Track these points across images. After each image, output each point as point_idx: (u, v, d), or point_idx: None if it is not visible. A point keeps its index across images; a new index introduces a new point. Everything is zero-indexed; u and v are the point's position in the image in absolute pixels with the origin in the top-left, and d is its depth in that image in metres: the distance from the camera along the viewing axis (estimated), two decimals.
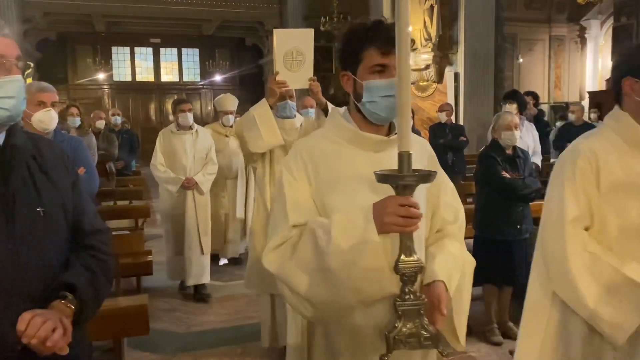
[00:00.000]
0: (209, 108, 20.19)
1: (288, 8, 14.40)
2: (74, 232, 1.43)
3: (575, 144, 1.71)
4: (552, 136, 7.74)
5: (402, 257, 1.24)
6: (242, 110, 4.86)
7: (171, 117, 18.56)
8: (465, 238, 1.69)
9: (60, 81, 16.91)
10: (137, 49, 20.01)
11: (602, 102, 12.25)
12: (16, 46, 1.34)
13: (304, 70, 2.81)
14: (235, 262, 5.70)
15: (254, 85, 18.52)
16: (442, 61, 9.43)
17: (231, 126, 5.22)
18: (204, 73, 20.56)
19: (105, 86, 19.51)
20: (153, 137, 5.05)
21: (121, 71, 19.93)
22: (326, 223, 1.38)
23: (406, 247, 1.24)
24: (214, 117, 16.51)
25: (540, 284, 1.75)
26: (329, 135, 1.54)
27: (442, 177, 1.57)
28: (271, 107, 3.01)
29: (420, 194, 1.27)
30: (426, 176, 1.22)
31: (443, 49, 9.33)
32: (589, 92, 14.10)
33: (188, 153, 4.67)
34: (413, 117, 5.81)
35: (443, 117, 6.94)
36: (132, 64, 20.05)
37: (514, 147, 3.69)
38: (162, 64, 20.45)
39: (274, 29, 2.90)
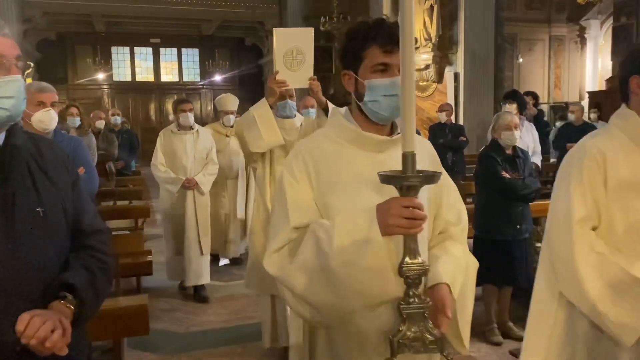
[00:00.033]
0: (209, 108, 20.19)
1: (288, 8, 14.40)
2: (73, 232, 1.43)
3: (582, 143, 1.69)
4: (551, 136, 7.74)
5: (407, 259, 1.22)
6: (242, 110, 4.85)
7: (171, 117, 18.55)
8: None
9: (59, 81, 16.91)
10: (136, 49, 20.02)
11: (601, 102, 12.25)
12: (16, 46, 1.34)
13: (304, 70, 2.80)
14: (236, 262, 5.70)
15: (253, 85, 18.52)
16: (441, 61, 9.43)
17: (232, 126, 5.21)
18: (204, 73, 20.57)
19: (105, 86, 19.52)
20: (153, 137, 5.05)
21: (121, 71, 19.94)
22: (329, 225, 1.36)
23: (410, 249, 1.22)
24: (214, 117, 16.53)
25: (546, 285, 1.73)
26: (330, 136, 1.52)
27: (445, 178, 1.56)
28: (271, 107, 3.00)
29: (423, 195, 1.25)
30: (430, 177, 1.20)
31: (443, 49, 9.32)
32: (589, 92, 14.10)
33: (188, 153, 4.66)
34: None
35: (443, 117, 6.94)
36: (132, 64, 20.06)
37: (514, 147, 3.69)
38: (162, 64, 20.46)
39: (274, 28, 2.89)
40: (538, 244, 4.42)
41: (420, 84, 9.92)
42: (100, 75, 19.06)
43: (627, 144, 1.62)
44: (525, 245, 3.75)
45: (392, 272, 1.28)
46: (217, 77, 20.35)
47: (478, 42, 9.03)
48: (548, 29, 15.28)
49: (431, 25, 9.27)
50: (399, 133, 1.49)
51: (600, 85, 14.44)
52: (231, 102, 5.38)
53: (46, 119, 2.83)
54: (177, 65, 20.66)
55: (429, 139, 6.46)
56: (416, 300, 1.22)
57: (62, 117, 5.02)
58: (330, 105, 2.91)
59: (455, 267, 1.46)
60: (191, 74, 20.87)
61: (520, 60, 15.00)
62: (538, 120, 6.73)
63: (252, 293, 3.98)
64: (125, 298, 2.72)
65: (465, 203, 1.82)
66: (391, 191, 1.25)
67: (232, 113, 5.32)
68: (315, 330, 1.53)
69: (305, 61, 2.79)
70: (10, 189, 1.29)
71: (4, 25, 1.33)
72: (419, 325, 1.22)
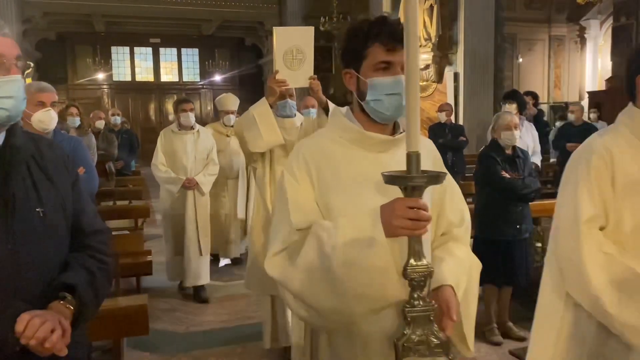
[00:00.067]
0: (209, 108, 20.20)
1: (288, 8, 14.40)
2: (73, 233, 1.43)
3: (589, 142, 1.67)
4: (551, 136, 7.75)
5: (411, 261, 1.19)
6: (242, 110, 4.86)
7: (171, 117, 18.55)
8: None
9: (59, 81, 16.91)
10: (136, 49, 20.02)
11: (601, 102, 12.26)
12: (16, 46, 1.33)
13: (304, 69, 2.78)
14: (236, 262, 5.70)
15: (253, 85, 18.52)
16: (441, 61, 9.42)
17: (232, 126, 5.21)
18: (204, 73, 20.57)
19: (104, 86, 19.52)
20: (153, 137, 5.05)
21: (121, 71, 19.94)
22: (331, 227, 1.34)
23: (415, 251, 1.20)
24: (214, 116, 16.52)
25: (552, 285, 1.71)
26: (331, 136, 1.49)
27: (448, 178, 1.55)
28: (271, 106, 2.98)
29: (426, 196, 1.23)
30: (435, 177, 1.18)
31: (443, 49, 9.31)
32: (589, 92, 14.11)
33: (189, 153, 4.65)
34: None
35: (443, 117, 6.94)
36: (132, 64, 20.06)
37: (514, 147, 3.69)
38: (162, 64, 20.46)
39: (274, 27, 2.87)
40: (538, 244, 4.42)
41: (420, 83, 9.88)
42: (100, 75, 19.06)
43: (635, 143, 1.60)
44: (525, 245, 3.75)
45: (396, 274, 1.26)
46: (217, 77, 20.35)
47: (478, 42, 9.02)
48: (548, 29, 15.29)
49: (431, 25, 9.27)
50: (401, 132, 1.48)
51: (600, 85, 14.45)
52: (232, 101, 5.38)
53: (46, 119, 2.83)
54: (177, 65, 20.67)
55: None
56: (421, 303, 1.20)
57: (62, 117, 5.01)
58: (331, 105, 2.90)
59: (459, 268, 1.44)
60: (191, 74, 20.87)
61: (520, 60, 15.01)
62: (538, 120, 6.73)
63: (252, 293, 3.98)
64: (125, 298, 2.72)
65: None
66: (394, 192, 1.23)
67: (232, 113, 5.31)
68: (317, 331, 1.51)
69: (306, 60, 2.77)
70: (10, 189, 1.29)
71: (3, 25, 1.32)
72: (424, 328, 1.20)
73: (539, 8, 14.75)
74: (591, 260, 1.53)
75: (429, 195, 1.43)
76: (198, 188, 4.62)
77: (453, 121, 7.58)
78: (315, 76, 2.84)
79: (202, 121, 13.34)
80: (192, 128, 4.72)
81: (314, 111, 3.65)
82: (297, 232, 1.39)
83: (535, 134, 5.46)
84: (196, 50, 20.59)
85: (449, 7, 9.21)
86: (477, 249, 3.76)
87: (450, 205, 1.54)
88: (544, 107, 12.92)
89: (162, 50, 20.30)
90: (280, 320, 3.21)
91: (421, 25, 9.42)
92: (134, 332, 2.41)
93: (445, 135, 6.74)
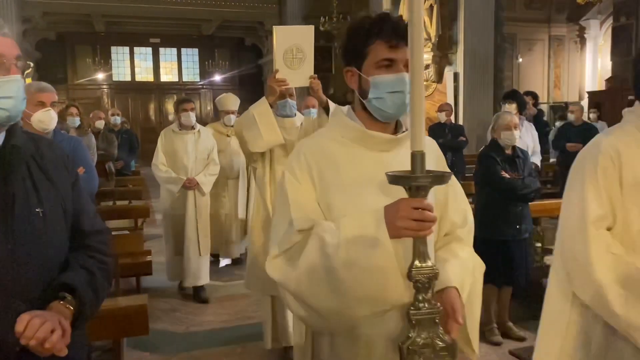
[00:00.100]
0: (209, 108, 20.20)
1: (287, 8, 14.40)
2: (73, 233, 1.43)
3: (595, 141, 1.64)
4: (551, 136, 7.75)
5: (416, 263, 1.17)
6: (242, 110, 4.86)
7: (170, 117, 18.51)
8: None
9: (59, 81, 16.93)
10: (136, 49, 20.03)
11: (601, 102, 12.28)
12: (15, 46, 1.33)
13: (304, 68, 2.76)
14: (236, 262, 5.70)
15: (253, 85, 18.53)
16: (441, 61, 9.42)
17: (232, 126, 5.20)
18: (204, 73, 20.58)
19: (104, 86, 19.53)
20: (152, 137, 5.04)
21: (120, 71, 19.94)
22: (334, 228, 1.31)
23: (420, 252, 1.17)
24: (214, 116, 16.52)
25: (558, 286, 1.69)
26: (332, 135, 1.46)
27: (451, 178, 1.53)
28: (271, 106, 2.97)
29: (429, 196, 1.20)
30: (441, 177, 1.15)
31: (442, 49, 9.32)
32: (589, 92, 14.12)
33: (190, 153, 4.64)
34: None
35: (442, 117, 6.94)
36: (132, 64, 20.07)
37: (514, 147, 3.69)
38: (162, 64, 20.47)
39: (274, 26, 2.86)
40: (538, 244, 4.42)
41: None
42: (100, 75, 19.07)
43: None
44: (525, 245, 3.75)
45: (400, 276, 1.24)
46: (217, 77, 20.35)
47: (478, 42, 9.02)
48: (548, 28, 15.29)
49: (431, 25, 9.26)
50: (404, 131, 1.45)
51: (600, 85, 14.46)
52: (232, 101, 5.37)
53: (46, 119, 2.83)
54: (177, 65, 20.67)
55: None
56: (426, 305, 1.17)
57: (62, 117, 5.01)
58: (331, 104, 2.89)
59: (463, 270, 1.42)
60: (191, 74, 20.88)
61: (520, 60, 15.02)
62: (537, 120, 6.74)
63: (252, 293, 3.97)
64: (124, 298, 2.72)
65: None
66: (397, 192, 1.21)
67: (233, 113, 5.30)
68: (319, 333, 1.48)
69: (306, 59, 2.76)
70: (10, 190, 1.29)
71: (3, 24, 1.32)
72: (430, 331, 1.17)
73: (538, 8, 14.76)
74: (598, 261, 1.51)
75: (433, 196, 1.39)
76: (198, 188, 4.61)
77: (453, 121, 7.59)
78: (316, 75, 2.82)
79: (202, 121, 13.32)
80: (192, 128, 4.71)
81: (314, 111, 3.65)
82: (299, 233, 1.36)
83: (535, 134, 5.46)
84: (196, 50, 20.59)
85: (448, 7, 9.22)
86: (476, 248, 3.74)
87: (453, 206, 1.51)
88: (544, 107, 12.93)
89: (161, 50, 20.31)
90: (281, 320, 3.21)
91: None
92: (134, 332, 2.41)
93: (445, 135, 6.74)
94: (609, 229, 1.56)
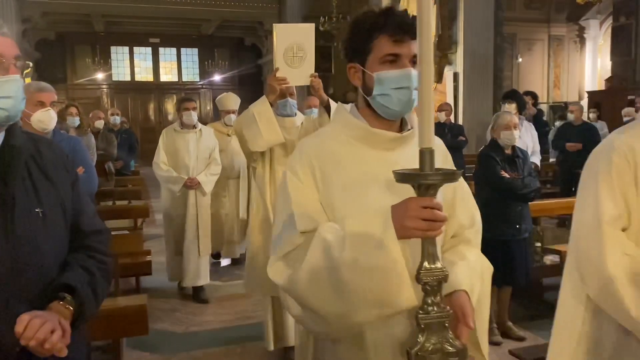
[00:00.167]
0: (208, 108, 20.20)
1: (287, 8, 14.42)
2: (73, 233, 1.43)
3: (609, 140, 1.59)
4: (551, 136, 7.76)
5: (425, 264, 1.12)
6: (242, 110, 4.85)
7: (170, 117, 18.45)
8: None
9: (59, 81, 16.92)
10: (136, 49, 20.02)
11: (601, 101, 12.28)
12: (15, 45, 1.33)
13: (305, 67, 2.74)
14: (236, 262, 5.69)
15: (253, 85, 18.52)
16: (441, 61, 9.43)
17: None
18: (203, 73, 20.57)
19: (104, 86, 19.52)
20: (152, 137, 5.04)
21: (120, 71, 19.94)
22: (339, 229, 1.26)
23: (429, 253, 1.12)
24: (214, 116, 16.51)
25: (572, 289, 1.65)
26: (335, 134, 1.41)
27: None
28: (271, 105, 2.95)
29: (437, 196, 1.15)
30: (451, 175, 1.10)
31: (442, 49, 9.33)
32: (588, 92, 14.13)
33: (191, 152, 4.62)
34: None
35: (442, 117, 6.95)
36: (131, 64, 20.06)
37: (513, 147, 3.69)
38: (161, 64, 20.46)
39: (274, 24, 2.83)
40: (538, 244, 4.43)
41: None
42: (100, 75, 19.06)
43: None
44: (525, 245, 3.75)
45: (408, 278, 1.19)
46: (217, 77, 20.35)
47: (477, 42, 9.04)
48: (547, 28, 15.31)
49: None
50: (409, 129, 1.42)
51: (600, 85, 14.47)
52: (232, 101, 5.37)
53: (45, 119, 2.83)
54: (177, 65, 20.67)
55: None
56: (435, 308, 1.12)
57: (62, 117, 5.01)
58: (332, 104, 2.88)
59: (472, 272, 1.37)
60: (190, 73, 20.87)
61: (520, 60, 15.03)
62: (537, 120, 6.74)
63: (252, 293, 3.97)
64: (124, 298, 2.73)
65: None
66: (403, 191, 1.17)
67: (233, 112, 5.29)
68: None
69: (306, 58, 2.73)
70: (10, 190, 1.29)
71: (2, 24, 1.32)
72: (439, 336, 1.12)
73: (538, 8, 14.77)
74: (614, 262, 1.46)
75: (441, 196, 1.31)
76: (200, 188, 4.60)
77: (452, 121, 7.60)
78: (317, 74, 2.80)
79: (202, 121, 13.30)
80: (194, 127, 4.69)
81: (316, 111, 3.64)
82: (301, 235, 1.31)
83: (535, 133, 5.46)
84: (195, 50, 20.59)
85: (448, 6, 9.23)
86: None
87: (461, 206, 1.46)
88: (544, 107, 12.93)
89: (161, 50, 20.30)
90: (281, 320, 3.21)
91: None
92: (134, 332, 2.41)
93: (444, 135, 6.74)
94: (623, 230, 1.52)
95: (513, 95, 5.44)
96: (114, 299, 2.48)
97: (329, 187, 1.35)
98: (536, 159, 5.35)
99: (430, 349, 1.12)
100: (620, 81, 12.49)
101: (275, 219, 1.44)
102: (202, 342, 3.81)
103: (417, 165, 1.10)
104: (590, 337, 1.62)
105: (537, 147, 5.49)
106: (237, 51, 20.44)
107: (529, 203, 3.72)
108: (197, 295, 4.66)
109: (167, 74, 20.63)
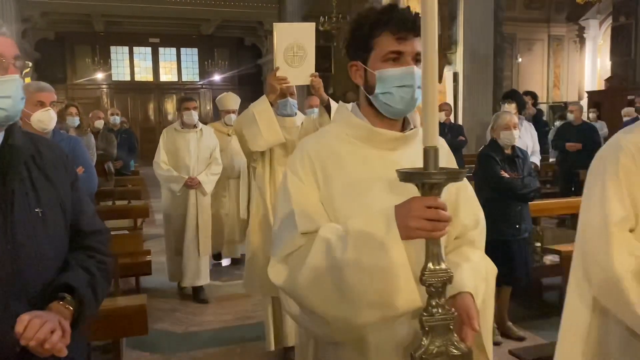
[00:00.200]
0: (208, 108, 20.20)
1: (287, 8, 14.42)
2: (72, 233, 1.43)
3: (616, 139, 1.56)
4: (550, 136, 7.77)
5: (429, 265, 1.09)
6: (241, 111, 4.85)
7: (170, 117, 18.42)
8: None
9: (59, 81, 16.93)
10: (135, 49, 20.03)
11: (600, 101, 12.30)
12: (14, 45, 1.33)
13: (305, 66, 2.72)
14: (236, 262, 5.69)
15: (253, 85, 18.53)
16: (441, 61, 9.43)
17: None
18: (203, 73, 20.58)
19: (104, 86, 19.53)
20: (152, 137, 5.05)
21: (120, 71, 19.94)
22: (341, 229, 1.23)
23: (433, 254, 1.10)
24: (214, 116, 16.51)
25: (578, 292, 1.63)
26: (337, 133, 1.38)
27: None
28: (271, 104, 2.93)
29: (442, 196, 1.13)
30: (456, 174, 1.07)
31: (442, 49, 9.33)
32: (588, 92, 14.14)
33: (192, 152, 4.62)
34: None
35: (442, 117, 6.94)
36: (131, 64, 20.07)
37: (513, 147, 3.69)
38: (161, 64, 20.47)
39: (274, 23, 2.81)
40: (537, 244, 4.42)
41: None
42: (99, 75, 19.07)
43: None
44: (525, 245, 3.75)
45: (412, 280, 1.16)
46: (216, 77, 20.35)
47: (477, 42, 9.04)
48: (547, 28, 15.32)
49: None
50: (412, 129, 1.40)
51: (599, 85, 14.48)
52: (232, 101, 5.36)
53: (45, 119, 2.83)
54: (176, 65, 20.67)
55: None
56: (440, 310, 1.09)
57: (61, 116, 5.01)
58: (333, 103, 2.87)
59: (477, 274, 1.35)
60: (190, 73, 20.87)
61: (520, 59, 15.04)
62: (537, 120, 6.74)
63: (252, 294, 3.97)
64: (124, 298, 2.73)
65: None
66: (406, 191, 1.15)
67: (233, 112, 5.27)
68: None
69: (307, 57, 2.71)
70: (9, 190, 1.29)
71: (2, 24, 1.32)
72: (444, 338, 1.09)
73: (538, 8, 14.78)
74: (622, 264, 1.44)
75: (445, 196, 1.27)
76: (200, 188, 4.59)
77: (452, 121, 7.61)
78: (317, 74, 2.78)
79: (202, 121, 13.31)
80: (195, 126, 4.69)
81: (317, 111, 3.63)
82: (303, 237, 1.28)
83: (535, 133, 5.46)
84: (195, 50, 20.59)
85: (448, 6, 9.23)
86: None
87: (464, 207, 1.44)
88: (543, 107, 12.94)
89: (161, 50, 20.31)
90: (281, 320, 3.20)
91: None
92: (133, 332, 2.41)
93: (444, 135, 6.71)
94: (631, 231, 1.50)
95: (513, 95, 5.44)
96: (114, 299, 2.48)
97: (330, 186, 1.33)
98: (536, 159, 5.35)
99: (434, 352, 1.09)
100: (620, 81, 12.50)
101: (274, 219, 1.42)
102: (202, 342, 3.80)
103: (419, 165, 1.08)
104: (597, 339, 1.60)
105: (537, 147, 5.49)
106: (236, 51, 20.45)
107: (529, 203, 3.72)
108: (197, 295, 4.65)
109: (167, 74, 20.63)
